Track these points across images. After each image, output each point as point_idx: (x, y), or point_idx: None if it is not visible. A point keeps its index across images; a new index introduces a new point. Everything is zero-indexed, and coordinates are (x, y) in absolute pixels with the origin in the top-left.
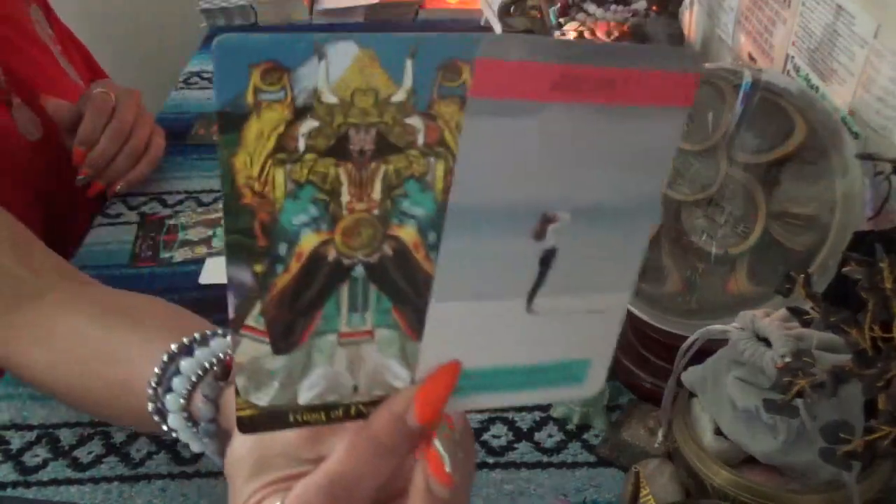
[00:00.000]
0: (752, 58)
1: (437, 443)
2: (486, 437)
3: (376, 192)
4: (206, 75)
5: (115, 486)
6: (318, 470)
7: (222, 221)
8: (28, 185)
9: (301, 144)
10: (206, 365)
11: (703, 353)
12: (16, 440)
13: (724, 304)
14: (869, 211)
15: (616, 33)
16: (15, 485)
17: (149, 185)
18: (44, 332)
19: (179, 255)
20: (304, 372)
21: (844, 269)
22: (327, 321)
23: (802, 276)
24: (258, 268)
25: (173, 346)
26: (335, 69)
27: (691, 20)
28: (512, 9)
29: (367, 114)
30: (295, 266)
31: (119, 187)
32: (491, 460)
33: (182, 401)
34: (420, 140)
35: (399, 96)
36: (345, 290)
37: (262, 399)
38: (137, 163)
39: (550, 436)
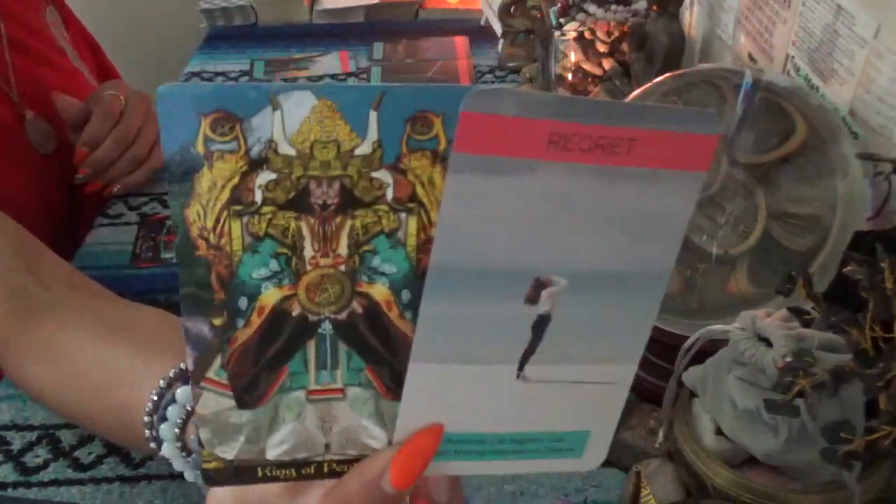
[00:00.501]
0: (752, 58)
1: None
2: None
3: (342, 248)
4: (206, 76)
5: (116, 487)
6: None
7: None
8: (37, 195)
9: (258, 196)
10: None
11: (703, 353)
12: (17, 441)
13: (725, 305)
14: (869, 211)
15: (616, 33)
16: (16, 485)
17: (149, 186)
18: (47, 349)
19: None
20: (272, 428)
21: (845, 269)
22: (294, 378)
23: (803, 276)
24: (217, 321)
25: (171, 372)
26: (291, 120)
27: (691, 20)
28: (512, 9)
29: (329, 166)
30: (256, 320)
31: (116, 189)
32: None
33: (176, 430)
34: (389, 195)
35: (364, 149)
36: (312, 347)
37: (228, 453)
38: (138, 168)
39: None
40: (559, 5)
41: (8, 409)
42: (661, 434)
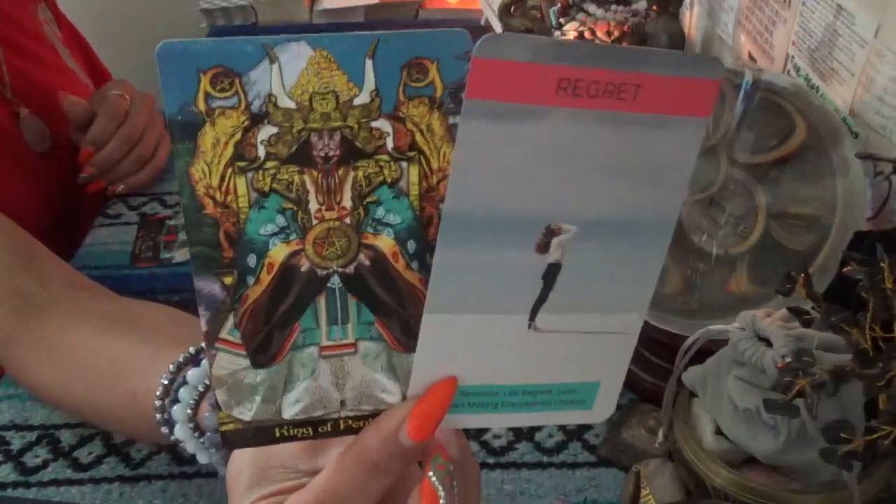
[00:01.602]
0: (752, 58)
1: (431, 476)
2: (486, 437)
3: (346, 200)
4: None
5: (116, 487)
6: (308, 487)
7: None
8: (34, 193)
9: (261, 152)
10: None
11: (703, 353)
12: (16, 441)
13: (725, 304)
14: (869, 211)
15: (616, 33)
16: (15, 485)
17: (151, 186)
18: (51, 347)
19: (180, 255)
20: (287, 386)
21: (845, 269)
22: (307, 334)
23: (803, 275)
24: (227, 279)
25: (180, 357)
26: (289, 72)
27: (691, 20)
28: (512, 9)
29: (329, 118)
30: (266, 277)
31: (119, 189)
32: (491, 460)
33: (189, 411)
34: (389, 144)
35: (362, 98)
36: (322, 302)
37: (245, 414)
38: (142, 168)
39: (551, 436)
40: (559, 5)
41: (8, 409)
42: (661, 434)
